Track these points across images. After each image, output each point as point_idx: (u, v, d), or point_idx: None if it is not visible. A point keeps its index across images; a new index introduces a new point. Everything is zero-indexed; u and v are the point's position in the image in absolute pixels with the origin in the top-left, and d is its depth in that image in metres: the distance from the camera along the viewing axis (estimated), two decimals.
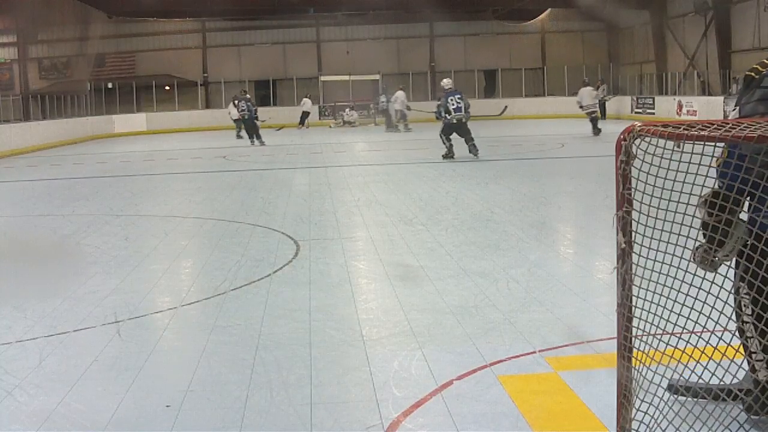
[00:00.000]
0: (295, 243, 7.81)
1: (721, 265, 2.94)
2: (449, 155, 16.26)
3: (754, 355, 3.04)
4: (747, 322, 3.01)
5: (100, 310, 5.51)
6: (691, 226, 2.54)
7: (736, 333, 3.07)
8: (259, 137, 23.95)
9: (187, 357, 4.49)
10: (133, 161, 20.04)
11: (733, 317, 3.06)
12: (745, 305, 3.01)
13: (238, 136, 26.50)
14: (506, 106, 19.69)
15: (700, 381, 2.70)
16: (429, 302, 5.45)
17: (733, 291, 2.97)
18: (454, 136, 16.27)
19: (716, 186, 2.88)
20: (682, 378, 2.78)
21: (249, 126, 24.34)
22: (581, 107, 22.56)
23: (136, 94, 36.60)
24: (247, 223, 9.29)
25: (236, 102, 25.24)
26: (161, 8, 34.64)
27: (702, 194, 2.64)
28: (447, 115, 16.21)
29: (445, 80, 17.21)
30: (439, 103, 17.03)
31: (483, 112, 19.36)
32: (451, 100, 16.20)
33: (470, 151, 16.07)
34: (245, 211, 10.39)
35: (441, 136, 16.44)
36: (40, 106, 30.96)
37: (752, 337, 3.02)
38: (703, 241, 2.92)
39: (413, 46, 38.82)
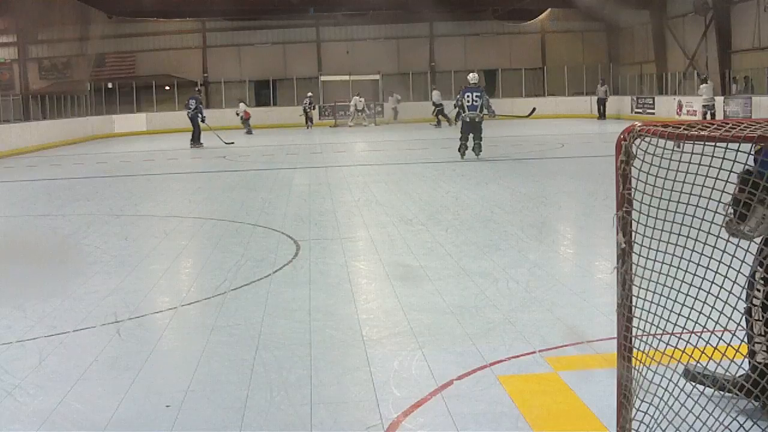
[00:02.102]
0: (295, 243, 7.81)
1: (752, 237, 2.95)
2: (459, 152, 16.04)
3: (755, 338, 3.08)
4: (755, 305, 3.05)
5: (100, 310, 5.51)
6: (691, 226, 2.54)
7: (744, 313, 3.10)
8: (198, 140, 23.33)
9: (187, 357, 4.49)
10: (133, 161, 20.03)
11: (733, 316, 3.07)
12: (758, 289, 3.03)
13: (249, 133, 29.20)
14: (534, 108, 19.71)
15: (716, 371, 2.72)
16: (429, 302, 5.45)
17: (749, 273, 3.00)
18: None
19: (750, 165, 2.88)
20: (699, 365, 2.81)
21: (196, 126, 23.32)
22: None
23: (136, 94, 36.62)
24: (247, 223, 9.29)
25: (188, 100, 23.98)
26: (161, 8, 34.67)
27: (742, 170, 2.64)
28: (462, 112, 16.04)
29: (470, 75, 16.78)
30: (457, 97, 16.70)
31: (502, 111, 19.40)
32: (467, 96, 15.90)
33: (473, 149, 15.98)
34: (245, 211, 10.39)
35: (461, 133, 16.30)
36: (40, 106, 30.96)
37: (758, 320, 3.05)
38: (731, 212, 2.92)
39: (413, 46, 38.83)
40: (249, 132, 30.15)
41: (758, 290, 3.05)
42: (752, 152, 2.85)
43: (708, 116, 23.40)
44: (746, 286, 3.03)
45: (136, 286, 6.35)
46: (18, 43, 36.36)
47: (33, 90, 34.42)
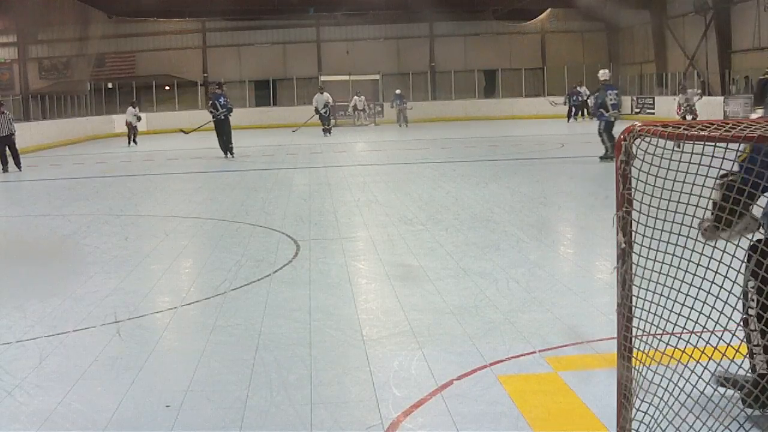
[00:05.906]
0: (295, 243, 7.81)
1: (728, 240, 2.94)
2: (608, 156, 14.36)
3: (754, 348, 3.08)
4: (751, 315, 3.04)
5: (100, 310, 5.51)
6: (691, 227, 2.54)
7: (741, 324, 3.09)
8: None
9: (187, 357, 4.49)
10: (133, 161, 20.04)
11: (733, 316, 3.07)
12: (751, 299, 3.03)
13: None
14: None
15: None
16: (429, 302, 5.45)
17: (742, 284, 2.99)
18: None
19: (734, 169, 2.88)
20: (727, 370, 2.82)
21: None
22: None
23: (136, 94, 36.59)
24: (247, 223, 9.29)
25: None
26: (161, 8, 34.66)
27: (719, 175, 2.64)
28: (605, 111, 14.84)
29: (602, 71, 15.75)
30: (596, 95, 15.45)
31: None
32: (610, 94, 14.90)
33: (606, 153, 14.71)
34: (245, 211, 10.39)
35: (602, 135, 14.90)
36: (40, 106, 30.92)
37: (754, 330, 3.04)
38: (711, 217, 2.91)
39: (413, 46, 38.81)
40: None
41: (752, 300, 3.04)
42: (737, 159, 2.84)
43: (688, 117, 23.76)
44: (741, 297, 3.02)
45: (136, 286, 6.35)
46: (18, 43, 36.33)
47: (33, 90, 34.37)
